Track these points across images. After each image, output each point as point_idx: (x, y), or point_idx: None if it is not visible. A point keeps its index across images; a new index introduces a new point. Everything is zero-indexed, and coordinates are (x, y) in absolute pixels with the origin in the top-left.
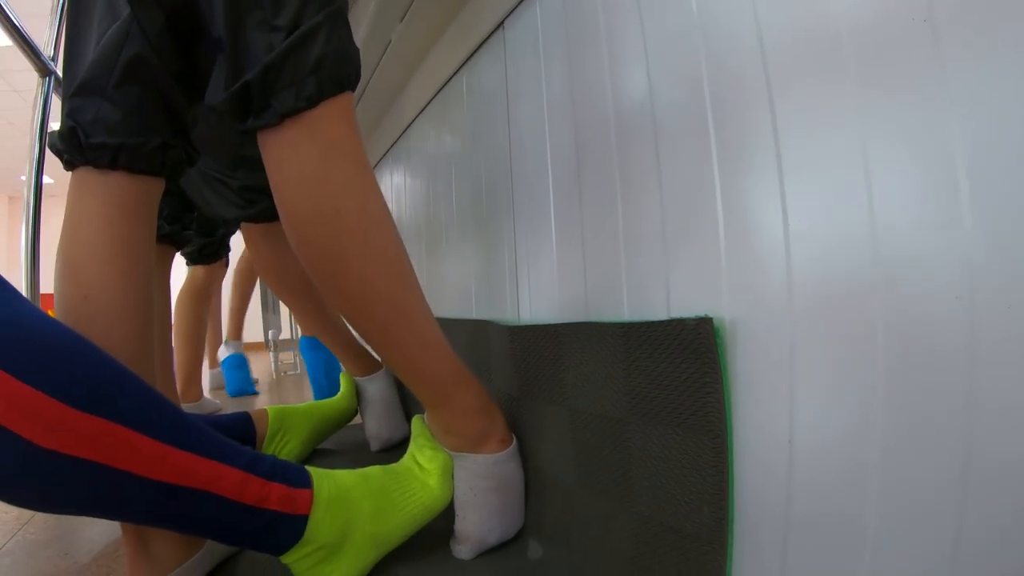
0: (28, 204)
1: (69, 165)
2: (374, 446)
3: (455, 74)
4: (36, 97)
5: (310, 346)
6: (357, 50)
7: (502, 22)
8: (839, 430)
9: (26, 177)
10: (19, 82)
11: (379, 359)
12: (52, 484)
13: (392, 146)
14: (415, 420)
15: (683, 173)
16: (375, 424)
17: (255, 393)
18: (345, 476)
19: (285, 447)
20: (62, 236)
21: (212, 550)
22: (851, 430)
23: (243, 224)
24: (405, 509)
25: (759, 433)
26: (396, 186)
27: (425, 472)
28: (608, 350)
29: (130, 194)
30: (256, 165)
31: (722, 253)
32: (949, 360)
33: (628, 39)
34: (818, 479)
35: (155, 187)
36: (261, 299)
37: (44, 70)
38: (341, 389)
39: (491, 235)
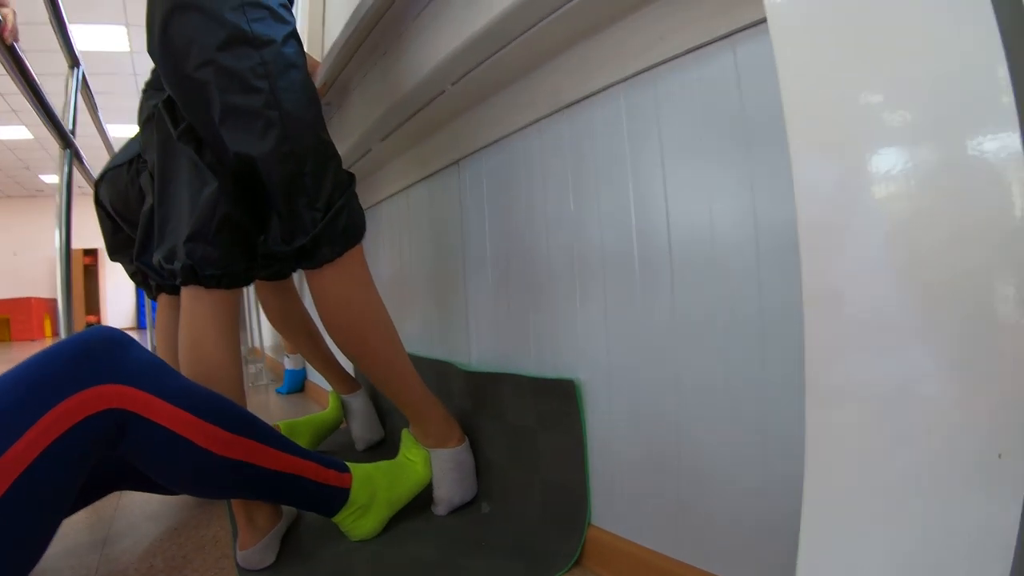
0: (60, 256)
1: (184, 283)
2: (359, 446)
3: (420, 181)
4: (61, 167)
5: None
6: (364, 214)
7: (458, 161)
8: (630, 430)
9: (56, 234)
10: None
11: (372, 385)
12: (225, 477)
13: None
14: (404, 431)
15: (563, 288)
16: (359, 429)
17: None
18: (366, 466)
19: None
20: (183, 327)
21: (287, 517)
22: (638, 428)
23: (257, 281)
24: (406, 484)
25: (597, 433)
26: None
27: (413, 463)
28: (525, 391)
29: (227, 299)
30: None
31: (578, 339)
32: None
33: (545, 187)
34: (630, 451)
35: (240, 292)
36: None
37: (65, 144)
38: (330, 404)
39: (448, 296)
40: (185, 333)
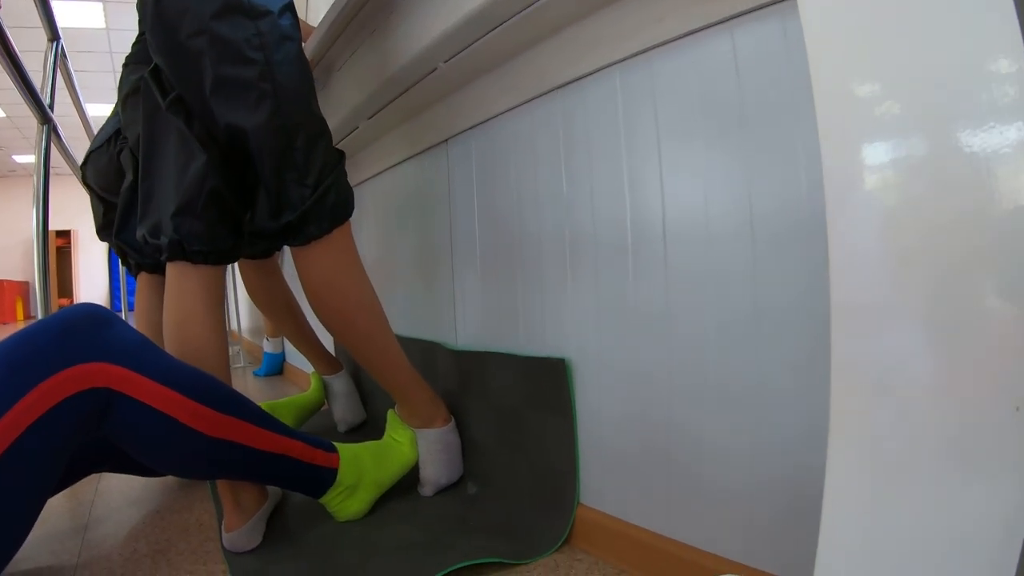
0: (37, 235)
1: (170, 259)
2: (341, 428)
3: (407, 159)
4: (39, 143)
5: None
6: (352, 191)
7: (446, 140)
8: (621, 411)
9: (34, 212)
10: None
11: (356, 365)
12: (212, 457)
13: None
14: (389, 412)
15: (553, 269)
16: (340, 411)
17: None
18: (353, 446)
19: None
20: (168, 304)
21: (273, 498)
22: (628, 408)
23: (240, 260)
24: (393, 465)
25: (587, 413)
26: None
27: (399, 443)
28: (513, 370)
29: (213, 276)
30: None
31: (568, 320)
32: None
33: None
34: (620, 430)
35: (226, 269)
36: None
37: (44, 118)
38: (311, 385)
39: (435, 276)
40: (170, 310)
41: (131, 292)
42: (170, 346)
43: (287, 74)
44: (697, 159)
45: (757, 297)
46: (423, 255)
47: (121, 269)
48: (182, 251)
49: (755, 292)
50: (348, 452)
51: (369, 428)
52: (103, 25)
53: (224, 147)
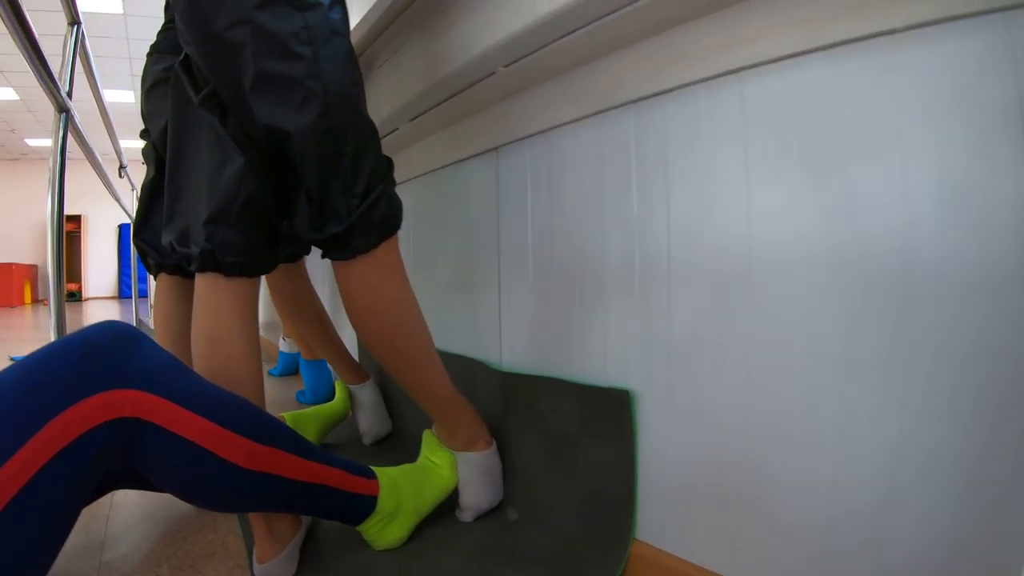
0: (52, 224)
1: (200, 270)
2: (366, 440)
3: (450, 165)
4: (56, 131)
5: (310, 367)
6: (401, 203)
7: (497, 147)
8: (688, 447)
9: (49, 202)
10: None
11: (386, 376)
12: (250, 491)
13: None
14: (426, 433)
15: (619, 294)
16: (367, 423)
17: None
18: (391, 470)
19: None
20: (199, 319)
21: (306, 524)
22: (696, 445)
23: None
24: (432, 490)
25: (648, 446)
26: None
27: (438, 466)
28: (569, 397)
29: (248, 289)
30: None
31: (634, 348)
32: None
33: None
34: (686, 467)
35: (259, 280)
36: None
37: (61, 107)
38: (336, 395)
39: (478, 289)
40: (201, 326)
41: (142, 279)
42: (200, 365)
43: (336, 72)
44: (792, 192)
45: (850, 342)
46: (464, 266)
47: (133, 255)
48: (215, 262)
49: (848, 335)
50: (387, 478)
51: (396, 440)
52: (120, 11)
53: (262, 148)
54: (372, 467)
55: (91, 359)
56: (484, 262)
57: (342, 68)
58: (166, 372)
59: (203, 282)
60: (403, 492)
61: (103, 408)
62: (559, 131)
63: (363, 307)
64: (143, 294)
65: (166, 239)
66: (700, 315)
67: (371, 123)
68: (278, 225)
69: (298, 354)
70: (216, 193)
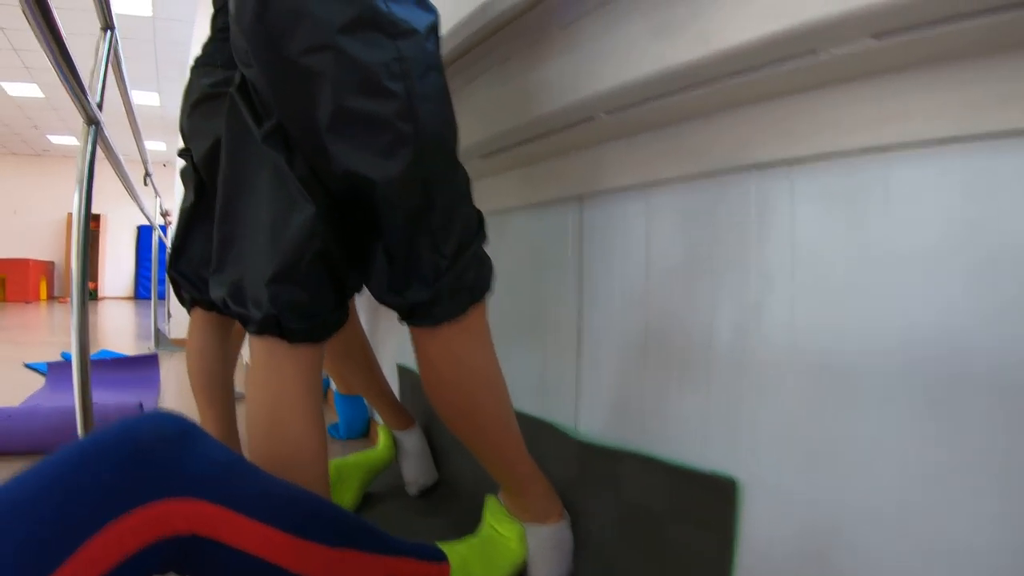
0: (79, 232)
1: (260, 333)
2: (411, 491)
3: (520, 208)
4: (84, 144)
5: (346, 403)
6: (492, 264)
7: (581, 196)
8: (795, 545)
9: (74, 213)
10: None
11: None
12: None
13: None
14: (489, 498)
15: (729, 375)
16: (413, 472)
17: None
18: (459, 547)
19: (345, 495)
20: (257, 391)
21: None
22: (805, 544)
23: None
24: (502, 566)
25: (749, 539)
26: None
27: (505, 538)
28: (660, 477)
29: (314, 355)
30: None
31: (740, 435)
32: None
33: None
34: (782, 570)
35: (324, 346)
36: None
37: (91, 119)
38: (380, 441)
39: (552, 347)
40: (260, 401)
41: (161, 281)
42: (257, 441)
43: (432, 113)
44: (947, 288)
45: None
46: (535, 318)
47: (154, 251)
48: (278, 327)
49: (1006, 444)
50: (457, 558)
51: (443, 490)
52: (150, 14)
53: (336, 195)
54: (439, 543)
55: (139, 464)
56: (561, 318)
57: (438, 109)
58: (223, 473)
59: (261, 346)
60: (473, 572)
61: (154, 523)
62: (661, 187)
63: (446, 380)
64: (161, 296)
65: (217, 293)
66: (823, 409)
67: (465, 173)
68: (347, 280)
69: (327, 380)
70: (281, 246)
